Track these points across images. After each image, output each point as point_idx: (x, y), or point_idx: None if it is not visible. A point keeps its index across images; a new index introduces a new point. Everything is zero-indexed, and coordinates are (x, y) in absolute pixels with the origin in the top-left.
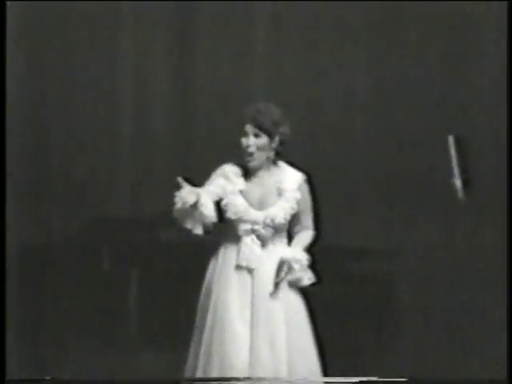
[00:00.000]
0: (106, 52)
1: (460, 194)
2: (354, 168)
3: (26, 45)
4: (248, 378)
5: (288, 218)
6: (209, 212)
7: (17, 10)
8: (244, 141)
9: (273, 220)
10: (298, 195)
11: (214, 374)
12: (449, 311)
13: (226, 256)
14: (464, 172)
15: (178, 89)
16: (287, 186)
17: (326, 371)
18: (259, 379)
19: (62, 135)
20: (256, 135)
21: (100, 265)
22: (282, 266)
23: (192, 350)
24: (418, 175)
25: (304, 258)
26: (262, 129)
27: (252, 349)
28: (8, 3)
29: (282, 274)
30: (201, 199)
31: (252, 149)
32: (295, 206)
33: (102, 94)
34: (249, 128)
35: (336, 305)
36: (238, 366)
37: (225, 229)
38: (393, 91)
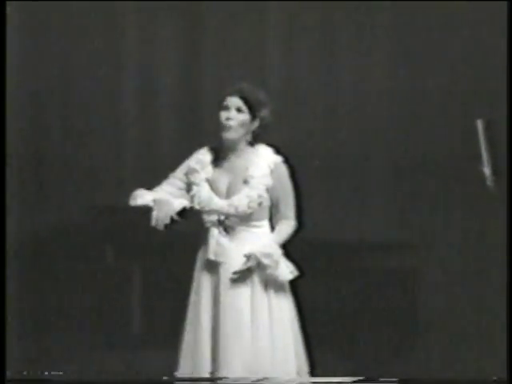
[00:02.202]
0: (110, 44)
1: (489, 182)
2: (369, 155)
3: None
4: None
5: (254, 206)
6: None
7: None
8: (224, 114)
9: (236, 208)
10: (268, 181)
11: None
12: (477, 314)
13: (201, 250)
14: (494, 159)
15: (184, 79)
16: (255, 172)
17: (314, 371)
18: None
19: (63, 123)
20: (239, 110)
21: (101, 256)
22: (248, 260)
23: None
24: (440, 161)
25: (276, 252)
26: (246, 103)
27: (216, 349)
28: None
29: (244, 266)
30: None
31: (233, 122)
32: (264, 194)
33: (106, 82)
34: (232, 101)
35: (344, 302)
36: (203, 367)
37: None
38: (414, 75)
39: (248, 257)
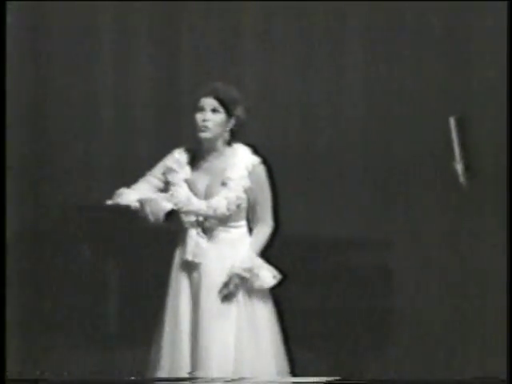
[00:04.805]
0: (87, 43)
1: (461, 178)
2: (344, 152)
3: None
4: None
5: (233, 208)
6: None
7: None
8: (200, 116)
9: (215, 210)
10: (246, 183)
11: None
12: (446, 309)
13: (178, 250)
14: (466, 155)
15: (160, 78)
16: (233, 174)
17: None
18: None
19: (39, 123)
20: (214, 110)
21: (79, 256)
22: (231, 279)
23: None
24: (414, 158)
25: (255, 263)
26: (221, 103)
27: (195, 351)
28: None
29: (230, 287)
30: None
31: (209, 124)
32: (242, 196)
33: (84, 82)
34: (207, 102)
35: (321, 301)
36: (182, 368)
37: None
38: (389, 73)
39: (229, 280)
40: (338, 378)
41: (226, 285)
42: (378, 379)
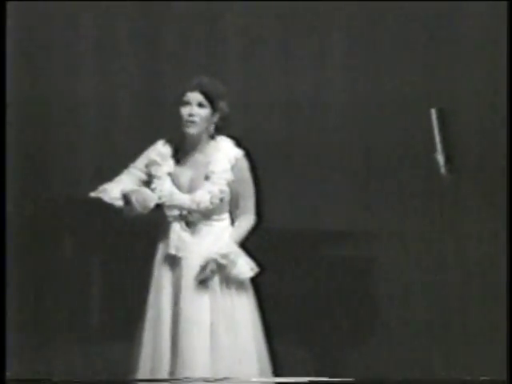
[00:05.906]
0: (70, 41)
1: (443, 170)
2: (327, 145)
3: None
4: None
5: (216, 201)
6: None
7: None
8: (186, 109)
9: (198, 204)
10: (229, 176)
11: (144, 373)
12: (439, 307)
13: (161, 244)
14: (447, 147)
15: (148, 76)
16: (216, 168)
17: (277, 371)
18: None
19: (24, 116)
20: (200, 105)
21: (62, 250)
22: (207, 264)
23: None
24: (396, 150)
25: (233, 251)
26: (207, 97)
27: (175, 347)
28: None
29: (207, 272)
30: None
31: (196, 118)
32: (225, 189)
33: (68, 79)
34: (193, 96)
35: (307, 296)
36: (163, 366)
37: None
38: (371, 68)
39: (205, 265)
40: (323, 378)
41: (202, 269)
42: (366, 379)
